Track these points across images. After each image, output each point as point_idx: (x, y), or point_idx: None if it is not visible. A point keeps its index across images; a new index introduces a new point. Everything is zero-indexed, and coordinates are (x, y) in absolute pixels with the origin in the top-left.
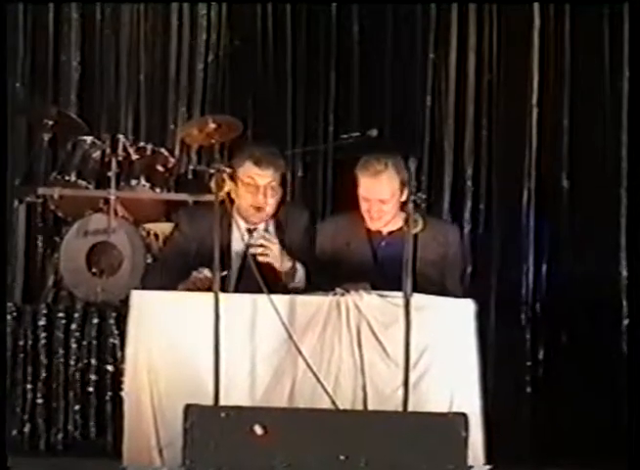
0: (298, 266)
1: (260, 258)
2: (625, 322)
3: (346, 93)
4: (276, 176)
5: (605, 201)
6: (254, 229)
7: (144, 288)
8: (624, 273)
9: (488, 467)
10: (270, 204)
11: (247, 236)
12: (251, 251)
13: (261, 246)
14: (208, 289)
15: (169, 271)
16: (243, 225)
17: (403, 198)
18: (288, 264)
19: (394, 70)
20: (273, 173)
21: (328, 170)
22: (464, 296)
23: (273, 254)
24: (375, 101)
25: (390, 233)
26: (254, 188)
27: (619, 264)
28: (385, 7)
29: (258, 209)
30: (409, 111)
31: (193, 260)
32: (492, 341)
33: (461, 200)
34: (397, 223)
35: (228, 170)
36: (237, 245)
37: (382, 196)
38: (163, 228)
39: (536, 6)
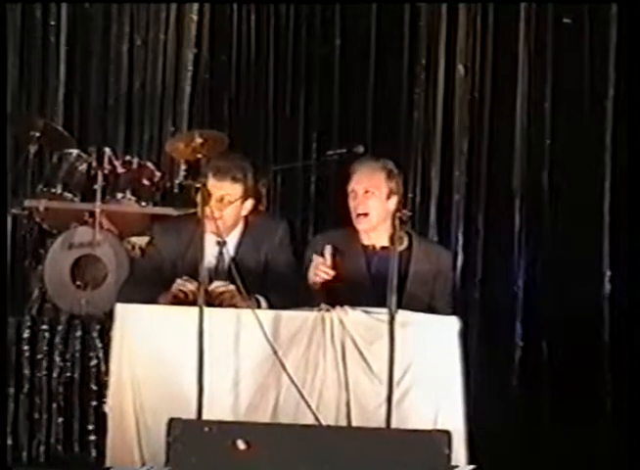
0: (260, 298)
1: (226, 303)
2: (607, 336)
3: (331, 108)
4: (235, 187)
5: (589, 216)
6: (224, 242)
7: (119, 301)
8: (607, 289)
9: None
10: (225, 215)
11: (216, 248)
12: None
13: (222, 293)
14: (193, 302)
15: (144, 286)
16: (213, 238)
17: (391, 205)
18: (248, 302)
19: (380, 86)
20: (231, 185)
21: (311, 186)
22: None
23: (236, 296)
24: (361, 117)
25: (383, 248)
26: (220, 200)
27: (603, 281)
28: (369, 19)
29: (212, 219)
30: (395, 127)
31: (167, 275)
32: (476, 358)
33: (447, 216)
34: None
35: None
36: (211, 259)
37: (366, 184)
38: None
39: (523, 18)
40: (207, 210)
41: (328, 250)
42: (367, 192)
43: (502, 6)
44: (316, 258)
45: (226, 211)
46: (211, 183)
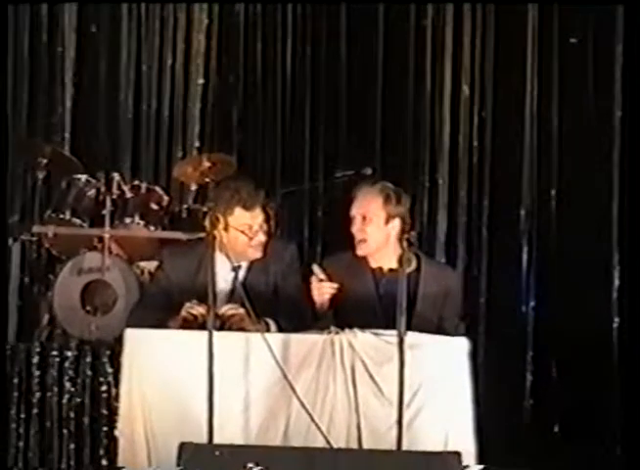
0: (269, 321)
1: (235, 326)
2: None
3: (338, 130)
4: (260, 214)
5: (598, 235)
6: (239, 266)
7: (128, 326)
8: (616, 307)
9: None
10: (265, 239)
11: (231, 274)
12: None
13: (232, 316)
14: (202, 326)
15: (153, 310)
16: (227, 264)
17: (391, 228)
18: (257, 325)
19: (387, 108)
20: (260, 211)
21: (318, 209)
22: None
23: (245, 319)
24: (368, 138)
25: (391, 270)
26: (249, 229)
27: (612, 300)
28: (375, 39)
29: (257, 246)
30: (402, 148)
31: (176, 300)
32: (486, 379)
33: (455, 236)
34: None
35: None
36: (222, 283)
37: (362, 211)
38: None
39: (530, 36)
40: (217, 234)
41: (316, 268)
42: (365, 218)
43: (508, 25)
44: (313, 281)
45: (257, 237)
46: (247, 217)
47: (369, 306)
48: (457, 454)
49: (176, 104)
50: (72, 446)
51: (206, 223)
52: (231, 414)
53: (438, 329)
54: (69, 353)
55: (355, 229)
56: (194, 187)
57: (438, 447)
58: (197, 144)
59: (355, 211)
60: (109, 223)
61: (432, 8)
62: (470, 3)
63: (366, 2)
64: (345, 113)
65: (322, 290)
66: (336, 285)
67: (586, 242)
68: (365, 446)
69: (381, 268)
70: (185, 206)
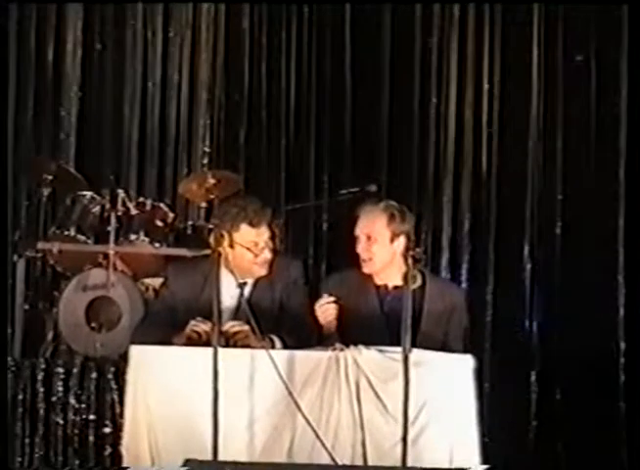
0: (274, 338)
1: (240, 343)
2: (622, 378)
3: (343, 147)
4: (266, 231)
5: (604, 253)
6: (245, 283)
7: (133, 343)
8: (622, 330)
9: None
10: (271, 256)
11: (237, 291)
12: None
13: (236, 333)
14: (207, 343)
15: (157, 327)
16: (232, 281)
17: (396, 246)
18: (262, 342)
19: (392, 126)
20: (266, 228)
21: (323, 225)
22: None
23: (250, 335)
24: (372, 156)
25: (396, 288)
26: (254, 246)
27: (617, 322)
28: (381, 58)
29: (263, 263)
30: (407, 166)
31: (181, 316)
32: (491, 396)
33: (459, 254)
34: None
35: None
36: (228, 300)
37: (367, 230)
38: None
39: (535, 57)
40: (222, 251)
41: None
42: (370, 238)
43: (513, 42)
44: (316, 306)
45: (263, 254)
46: (253, 234)
47: (374, 324)
48: None
49: (182, 121)
50: (77, 462)
51: (211, 240)
52: (236, 431)
53: (443, 346)
54: (74, 370)
55: (360, 249)
56: (203, 204)
57: (443, 464)
58: (202, 161)
59: (360, 230)
60: (113, 240)
61: (437, 22)
62: (475, 20)
63: (371, 28)
64: (350, 130)
65: (326, 310)
66: (333, 301)
67: (592, 260)
68: (370, 462)
69: (386, 286)
70: (190, 222)
